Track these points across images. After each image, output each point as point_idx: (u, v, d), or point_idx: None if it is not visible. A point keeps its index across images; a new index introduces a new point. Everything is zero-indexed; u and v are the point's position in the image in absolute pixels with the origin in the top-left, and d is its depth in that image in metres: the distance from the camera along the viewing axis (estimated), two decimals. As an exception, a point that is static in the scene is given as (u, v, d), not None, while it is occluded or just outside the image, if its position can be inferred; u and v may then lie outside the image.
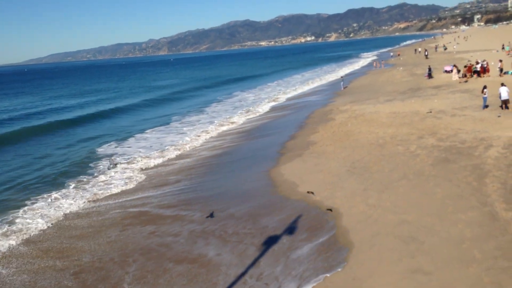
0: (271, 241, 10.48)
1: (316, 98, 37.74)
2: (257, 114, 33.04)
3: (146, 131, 29.31)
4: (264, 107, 36.37)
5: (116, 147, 24.84)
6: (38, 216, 14.33)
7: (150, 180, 17.59)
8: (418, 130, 19.38)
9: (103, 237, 12.17)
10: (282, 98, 42.59)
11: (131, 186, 17.12)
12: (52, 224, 13.66)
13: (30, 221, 13.93)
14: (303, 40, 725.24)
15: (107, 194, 16.32)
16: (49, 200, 15.98)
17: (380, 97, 30.94)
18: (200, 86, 64.08)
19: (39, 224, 13.56)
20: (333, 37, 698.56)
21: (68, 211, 14.73)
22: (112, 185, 17.31)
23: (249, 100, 43.31)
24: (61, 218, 14.10)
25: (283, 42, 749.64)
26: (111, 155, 22.55)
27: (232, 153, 20.51)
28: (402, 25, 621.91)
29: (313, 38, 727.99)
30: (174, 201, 14.56)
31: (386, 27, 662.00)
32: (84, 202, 15.53)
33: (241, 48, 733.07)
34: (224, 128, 28.25)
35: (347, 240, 10.03)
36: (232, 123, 29.88)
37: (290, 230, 10.93)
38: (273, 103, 38.74)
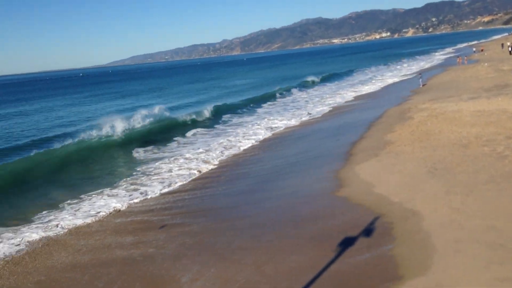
0: (348, 240, 10.30)
1: (391, 96, 36.59)
2: (321, 114, 32.72)
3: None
4: (332, 105, 35.96)
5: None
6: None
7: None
8: (506, 129, 18.09)
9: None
10: (350, 95, 41.85)
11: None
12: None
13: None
14: (377, 37, 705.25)
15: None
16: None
17: (463, 94, 29.29)
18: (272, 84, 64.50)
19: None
20: (410, 33, 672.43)
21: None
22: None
23: (320, 96, 43.03)
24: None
25: (357, 39, 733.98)
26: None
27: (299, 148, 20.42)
28: (486, 19, 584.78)
29: (388, 34, 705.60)
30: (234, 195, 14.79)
31: (468, 21, 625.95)
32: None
33: (313, 46, 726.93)
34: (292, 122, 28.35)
35: (428, 245, 9.60)
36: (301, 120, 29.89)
37: (367, 232, 10.66)
38: (339, 101, 38.24)
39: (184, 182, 18.26)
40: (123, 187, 18.18)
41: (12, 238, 13.30)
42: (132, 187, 18.02)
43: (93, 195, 17.28)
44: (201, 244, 11.65)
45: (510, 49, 64.05)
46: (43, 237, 13.39)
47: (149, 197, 16.68)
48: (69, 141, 26.07)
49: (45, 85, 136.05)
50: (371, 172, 15.26)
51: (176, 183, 18.15)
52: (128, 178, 19.61)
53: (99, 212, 15.11)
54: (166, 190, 17.43)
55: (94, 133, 27.69)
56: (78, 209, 15.63)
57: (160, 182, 18.32)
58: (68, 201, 16.69)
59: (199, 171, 19.67)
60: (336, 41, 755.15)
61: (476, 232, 9.78)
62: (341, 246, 10.07)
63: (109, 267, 10.91)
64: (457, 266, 8.56)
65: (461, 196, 11.86)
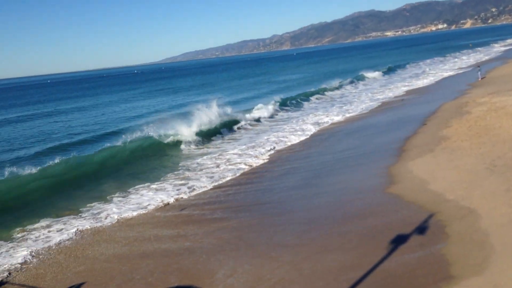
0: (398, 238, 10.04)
1: (447, 89, 35.22)
2: (368, 110, 32.02)
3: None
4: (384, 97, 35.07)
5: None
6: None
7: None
8: None
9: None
10: (402, 90, 40.67)
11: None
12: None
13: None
14: (433, 29, 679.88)
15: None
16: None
17: (526, 88, 27.72)
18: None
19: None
20: (468, 24, 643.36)
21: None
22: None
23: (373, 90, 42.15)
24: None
25: (411, 31, 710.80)
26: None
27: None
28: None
29: (445, 26, 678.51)
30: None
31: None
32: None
33: (365, 39, 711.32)
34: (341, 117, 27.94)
35: (486, 245, 9.18)
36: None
37: (420, 230, 10.34)
38: (390, 95, 37.25)
39: (233, 177, 18.43)
40: (171, 181, 18.55)
41: (63, 229, 13.97)
42: (180, 182, 18.36)
43: (141, 189, 17.76)
44: (240, 240, 11.73)
45: None
46: (90, 228, 13.92)
47: (196, 191, 16.93)
48: (132, 136, 26.35)
49: (102, 82, 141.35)
50: (426, 169, 14.78)
51: (224, 177, 18.35)
52: (176, 172, 20.06)
53: (147, 206, 15.57)
54: (214, 184, 17.66)
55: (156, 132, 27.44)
56: (126, 202, 16.17)
57: (209, 177, 18.59)
58: (117, 194, 17.25)
59: (249, 165, 19.80)
60: (389, 33, 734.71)
61: (539, 232, 9.26)
62: (392, 244, 9.84)
63: (148, 259, 11.21)
64: (518, 267, 8.14)
65: (522, 195, 11.25)
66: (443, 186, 12.85)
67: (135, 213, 14.93)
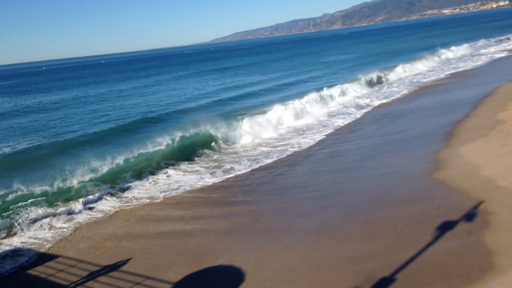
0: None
1: (504, 71, 33.41)
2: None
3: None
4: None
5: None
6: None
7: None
8: None
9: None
10: (457, 69, 38.98)
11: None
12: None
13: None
14: (494, 6, 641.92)
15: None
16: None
17: None
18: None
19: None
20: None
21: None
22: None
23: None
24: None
25: (470, 9, 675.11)
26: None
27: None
28: None
29: (507, 2, 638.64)
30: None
31: None
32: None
33: (420, 18, 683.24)
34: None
35: (539, 234, 8.79)
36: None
37: (468, 217, 10.02)
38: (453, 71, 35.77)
39: (276, 159, 18.47)
40: (209, 164, 18.78)
41: (88, 208, 14.46)
42: (218, 164, 18.53)
43: (174, 170, 18.11)
44: (257, 224, 11.86)
45: None
46: (115, 207, 14.44)
47: (233, 174, 17.04)
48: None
49: (156, 63, 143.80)
50: (478, 153, 14.21)
51: (264, 160, 18.42)
52: (216, 156, 20.18)
53: (177, 188, 15.94)
54: (254, 166, 17.76)
55: None
56: (156, 183, 16.66)
57: (250, 160, 18.71)
58: (151, 176, 17.61)
59: (300, 146, 19.91)
60: (446, 11, 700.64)
61: None
62: (438, 231, 9.62)
63: (161, 239, 11.56)
64: None
65: None
66: (495, 172, 12.33)
67: (162, 194, 15.25)
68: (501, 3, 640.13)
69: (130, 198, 15.19)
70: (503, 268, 7.88)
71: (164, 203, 14.46)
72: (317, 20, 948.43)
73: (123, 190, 16.00)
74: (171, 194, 15.26)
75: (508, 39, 66.93)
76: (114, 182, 16.73)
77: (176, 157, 19.53)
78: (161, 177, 17.38)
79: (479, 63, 43.55)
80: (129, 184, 16.55)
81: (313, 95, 29.93)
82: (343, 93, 32.86)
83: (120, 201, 15.02)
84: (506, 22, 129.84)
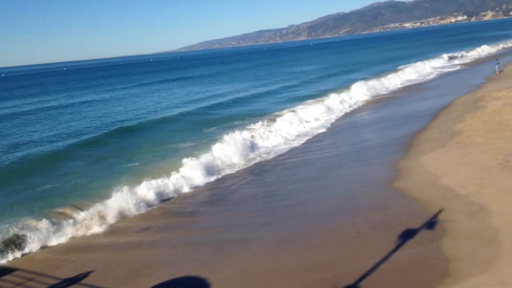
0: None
1: (462, 83, 34.72)
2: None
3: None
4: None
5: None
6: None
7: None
8: None
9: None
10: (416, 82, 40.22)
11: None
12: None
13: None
14: (453, 20, 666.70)
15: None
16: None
17: (545, 82, 27.21)
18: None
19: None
20: (488, 16, 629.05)
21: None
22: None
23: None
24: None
25: (430, 23, 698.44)
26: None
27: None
28: None
29: (465, 17, 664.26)
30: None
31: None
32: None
33: (382, 31, 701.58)
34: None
35: (495, 242, 9.12)
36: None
37: (430, 225, 10.31)
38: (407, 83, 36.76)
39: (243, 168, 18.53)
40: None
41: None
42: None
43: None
44: (218, 234, 12.02)
45: None
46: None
47: (196, 183, 16.89)
48: None
49: (120, 71, 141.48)
50: (438, 163, 14.67)
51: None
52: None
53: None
54: (219, 176, 17.79)
55: None
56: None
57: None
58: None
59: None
60: (408, 25, 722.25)
61: (550, 230, 9.17)
62: (400, 239, 9.84)
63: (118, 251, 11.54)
64: (526, 265, 8.09)
65: (535, 192, 11.13)
66: (455, 181, 12.75)
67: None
68: (459, 18, 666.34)
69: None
70: (462, 275, 8.12)
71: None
72: (284, 31, 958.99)
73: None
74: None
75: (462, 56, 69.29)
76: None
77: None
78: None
79: (434, 76, 45.03)
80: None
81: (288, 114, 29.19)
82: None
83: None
84: (463, 37, 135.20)
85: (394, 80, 41.84)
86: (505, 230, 9.47)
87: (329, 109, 29.82)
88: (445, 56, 61.38)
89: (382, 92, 36.79)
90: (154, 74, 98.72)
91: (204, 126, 27.98)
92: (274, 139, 22.99)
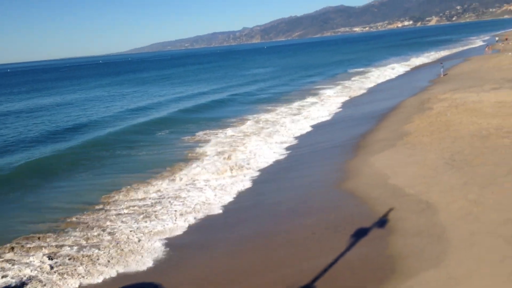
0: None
1: (408, 85, 35.97)
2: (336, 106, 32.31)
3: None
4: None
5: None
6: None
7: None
8: (529, 121, 17.62)
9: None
10: (367, 85, 41.25)
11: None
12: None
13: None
14: (400, 25, 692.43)
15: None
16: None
17: (485, 85, 28.55)
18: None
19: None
20: (433, 21, 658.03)
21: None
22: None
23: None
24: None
25: (378, 27, 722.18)
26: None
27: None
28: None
29: (411, 22, 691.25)
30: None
31: (493, 9, 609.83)
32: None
33: (333, 35, 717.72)
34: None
35: (443, 238, 9.42)
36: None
37: (380, 223, 10.53)
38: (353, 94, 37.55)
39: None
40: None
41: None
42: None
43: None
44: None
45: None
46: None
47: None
48: None
49: (65, 73, 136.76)
50: (387, 163, 15.03)
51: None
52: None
53: None
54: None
55: None
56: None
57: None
58: None
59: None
60: (357, 29, 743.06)
61: (493, 225, 9.56)
62: (352, 238, 9.98)
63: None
64: (471, 259, 8.39)
65: (479, 189, 11.60)
66: (403, 180, 13.11)
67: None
68: (406, 23, 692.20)
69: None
70: (412, 271, 8.32)
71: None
72: (237, 33, 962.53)
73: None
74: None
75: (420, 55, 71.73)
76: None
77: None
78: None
79: (385, 79, 46.38)
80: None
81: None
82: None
83: None
84: (408, 42, 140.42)
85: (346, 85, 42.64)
86: (451, 227, 9.80)
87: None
88: (393, 59, 63.37)
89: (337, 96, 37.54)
90: (104, 78, 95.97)
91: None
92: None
